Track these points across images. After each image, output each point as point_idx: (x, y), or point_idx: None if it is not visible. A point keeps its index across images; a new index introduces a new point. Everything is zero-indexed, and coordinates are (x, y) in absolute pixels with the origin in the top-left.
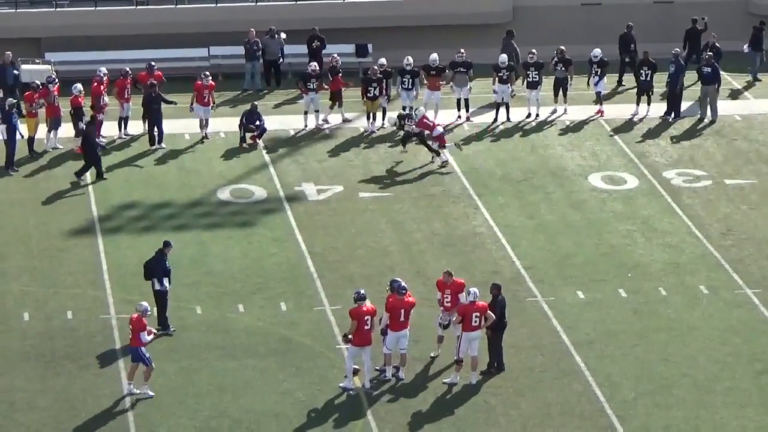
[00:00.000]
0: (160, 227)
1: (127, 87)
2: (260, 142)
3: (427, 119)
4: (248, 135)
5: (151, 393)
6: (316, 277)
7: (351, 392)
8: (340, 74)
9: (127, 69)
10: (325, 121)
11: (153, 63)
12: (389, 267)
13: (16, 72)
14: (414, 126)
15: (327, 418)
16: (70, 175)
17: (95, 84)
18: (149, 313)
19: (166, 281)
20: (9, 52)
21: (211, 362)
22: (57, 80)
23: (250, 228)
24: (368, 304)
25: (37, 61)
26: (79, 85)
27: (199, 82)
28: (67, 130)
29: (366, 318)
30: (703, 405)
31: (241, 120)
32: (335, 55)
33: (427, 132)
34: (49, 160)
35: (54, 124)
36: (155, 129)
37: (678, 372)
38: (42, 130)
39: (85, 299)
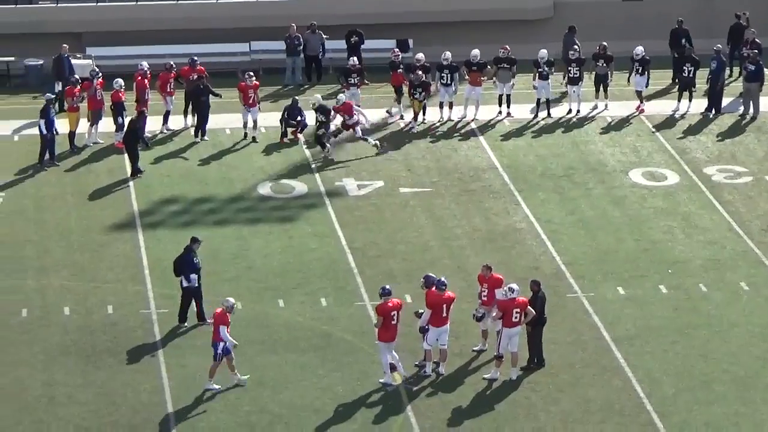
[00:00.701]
0: (201, 222)
1: (170, 81)
2: (301, 137)
3: (350, 106)
4: (289, 130)
5: (217, 387)
6: (356, 272)
7: (389, 388)
8: (400, 69)
9: (171, 63)
10: (397, 115)
11: (195, 57)
12: (429, 262)
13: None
14: (331, 115)
15: (367, 414)
16: (111, 169)
17: (139, 78)
18: (234, 307)
19: (194, 277)
20: (66, 45)
21: (251, 357)
22: (101, 74)
23: (290, 223)
24: (394, 300)
25: (78, 55)
26: (120, 80)
27: (243, 83)
28: (107, 124)
29: (392, 313)
30: (744, 401)
31: (282, 115)
32: (396, 50)
33: (343, 119)
34: (89, 155)
35: (96, 117)
36: (202, 121)
37: (718, 368)
38: (83, 125)
39: (125, 294)
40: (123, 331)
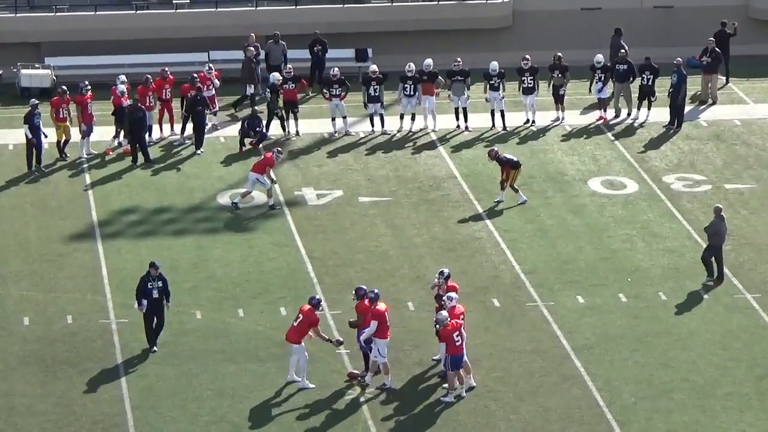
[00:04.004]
0: (160, 232)
1: (148, 94)
2: (260, 148)
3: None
4: (247, 140)
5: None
6: (315, 281)
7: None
8: (292, 84)
9: (148, 75)
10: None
11: (166, 69)
12: (389, 272)
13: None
14: None
15: (327, 424)
16: (69, 180)
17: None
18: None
19: (144, 302)
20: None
21: (211, 367)
22: (90, 87)
23: (249, 233)
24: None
25: (37, 65)
26: (122, 87)
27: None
28: (99, 134)
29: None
30: (703, 410)
31: (241, 125)
32: (289, 66)
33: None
34: (48, 165)
35: (88, 131)
36: (197, 132)
37: (678, 377)
38: (75, 135)
39: (84, 304)
40: (82, 341)
